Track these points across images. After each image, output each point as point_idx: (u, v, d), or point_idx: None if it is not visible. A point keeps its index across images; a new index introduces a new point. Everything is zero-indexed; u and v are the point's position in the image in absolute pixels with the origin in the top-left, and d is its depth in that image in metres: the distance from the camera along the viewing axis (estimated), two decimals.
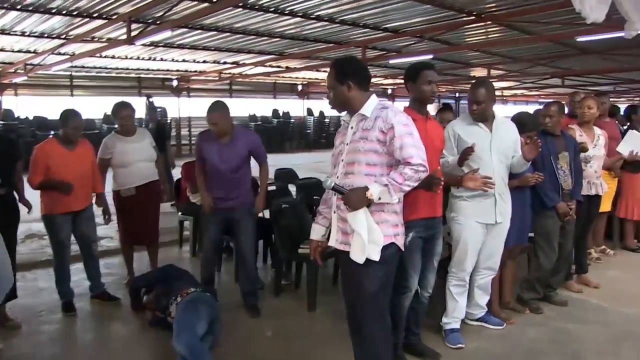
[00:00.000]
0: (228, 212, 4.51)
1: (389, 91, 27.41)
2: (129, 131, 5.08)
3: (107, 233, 6.92)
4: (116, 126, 5.18)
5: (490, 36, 12.22)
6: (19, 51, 13.06)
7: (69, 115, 4.52)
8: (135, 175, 5.05)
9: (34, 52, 13.08)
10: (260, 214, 5.65)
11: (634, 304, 4.62)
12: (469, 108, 3.81)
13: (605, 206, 5.56)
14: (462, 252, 3.84)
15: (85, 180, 4.61)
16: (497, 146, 3.75)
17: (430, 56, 12.99)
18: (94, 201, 4.85)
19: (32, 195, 4.48)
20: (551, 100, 5.63)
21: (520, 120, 4.18)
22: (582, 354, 3.75)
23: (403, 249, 2.94)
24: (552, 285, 4.65)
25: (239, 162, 4.47)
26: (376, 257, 2.72)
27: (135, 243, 5.34)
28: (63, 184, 4.34)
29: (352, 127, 2.89)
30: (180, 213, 6.38)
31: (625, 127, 6.29)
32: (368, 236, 2.70)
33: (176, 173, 6.35)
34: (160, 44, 12.55)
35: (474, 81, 3.88)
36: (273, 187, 5.98)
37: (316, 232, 3.12)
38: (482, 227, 3.81)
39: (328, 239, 3.03)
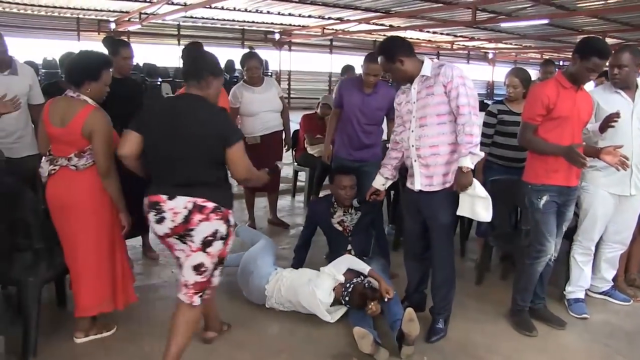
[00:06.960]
0: (357, 163, 4.49)
1: (490, 55, 26.48)
2: (255, 81, 5.25)
3: None
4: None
5: (610, 1, 11.50)
6: (135, 0, 13.67)
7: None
8: (260, 124, 5.23)
9: (149, 1, 13.64)
10: None
11: None
12: (610, 73, 3.66)
13: None
14: (590, 222, 3.76)
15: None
16: (639, 116, 3.61)
17: (545, 21, 12.45)
18: None
19: None
20: None
21: None
22: None
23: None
24: None
25: (379, 114, 4.50)
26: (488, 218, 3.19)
27: (256, 190, 5.58)
28: None
29: (414, 88, 3.24)
30: (296, 163, 6.60)
31: None
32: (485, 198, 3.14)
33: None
34: None
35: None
36: None
37: (377, 181, 3.67)
38: (614, 198, 3.71)
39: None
